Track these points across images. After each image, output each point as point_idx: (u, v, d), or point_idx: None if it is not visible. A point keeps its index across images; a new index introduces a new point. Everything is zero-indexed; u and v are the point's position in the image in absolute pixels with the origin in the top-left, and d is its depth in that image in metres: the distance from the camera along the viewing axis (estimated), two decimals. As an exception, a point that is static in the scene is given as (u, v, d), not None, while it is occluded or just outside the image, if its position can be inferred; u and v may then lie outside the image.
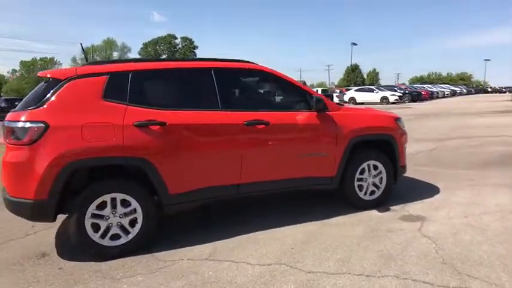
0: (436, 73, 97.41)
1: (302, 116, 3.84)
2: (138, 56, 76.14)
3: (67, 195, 3.07)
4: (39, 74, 3.39)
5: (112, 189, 3.14)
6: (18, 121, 2.97)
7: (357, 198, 4.20)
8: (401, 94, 32.01)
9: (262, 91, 3.96)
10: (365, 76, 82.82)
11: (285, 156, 3.77)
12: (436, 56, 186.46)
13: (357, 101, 31.52)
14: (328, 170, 3.98)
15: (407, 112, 19.53)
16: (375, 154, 4.24)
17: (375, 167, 4.25)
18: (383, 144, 4.31)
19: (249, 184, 3.63)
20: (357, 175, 4.16)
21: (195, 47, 78.69)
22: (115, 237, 3.19)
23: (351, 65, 75.34)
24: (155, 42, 76.62)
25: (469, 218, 3.86)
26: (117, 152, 3.09)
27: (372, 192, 4.27)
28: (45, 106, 3.01)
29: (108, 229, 3.16)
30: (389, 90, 33.43)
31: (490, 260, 2.93)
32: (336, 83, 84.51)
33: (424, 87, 42.86)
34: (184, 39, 78.45)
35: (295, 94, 3.99)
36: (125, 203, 3.19)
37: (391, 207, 4.26)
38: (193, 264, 3.03)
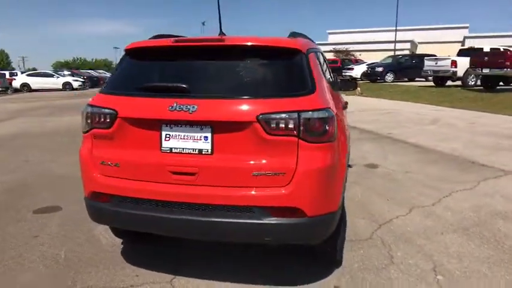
0: (81, 58, 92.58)
1: None
2: None
3: None
4: (233, 41, 2.48)
5: None
6: (317, 109, 2.27)
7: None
8: (84, 80, 31.15)
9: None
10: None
11: None
12: (71, 42, 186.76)
13: (32, 88, 28.38)
14: None
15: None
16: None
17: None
18: None
19: None
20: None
21: None
22: None
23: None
24: None
25: (389, 157, 6.20)
26: None
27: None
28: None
29: None
30: (70, 75, 32.42)
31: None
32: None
33: (89, 73, 38.99)
34: None
35: None
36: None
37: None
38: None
